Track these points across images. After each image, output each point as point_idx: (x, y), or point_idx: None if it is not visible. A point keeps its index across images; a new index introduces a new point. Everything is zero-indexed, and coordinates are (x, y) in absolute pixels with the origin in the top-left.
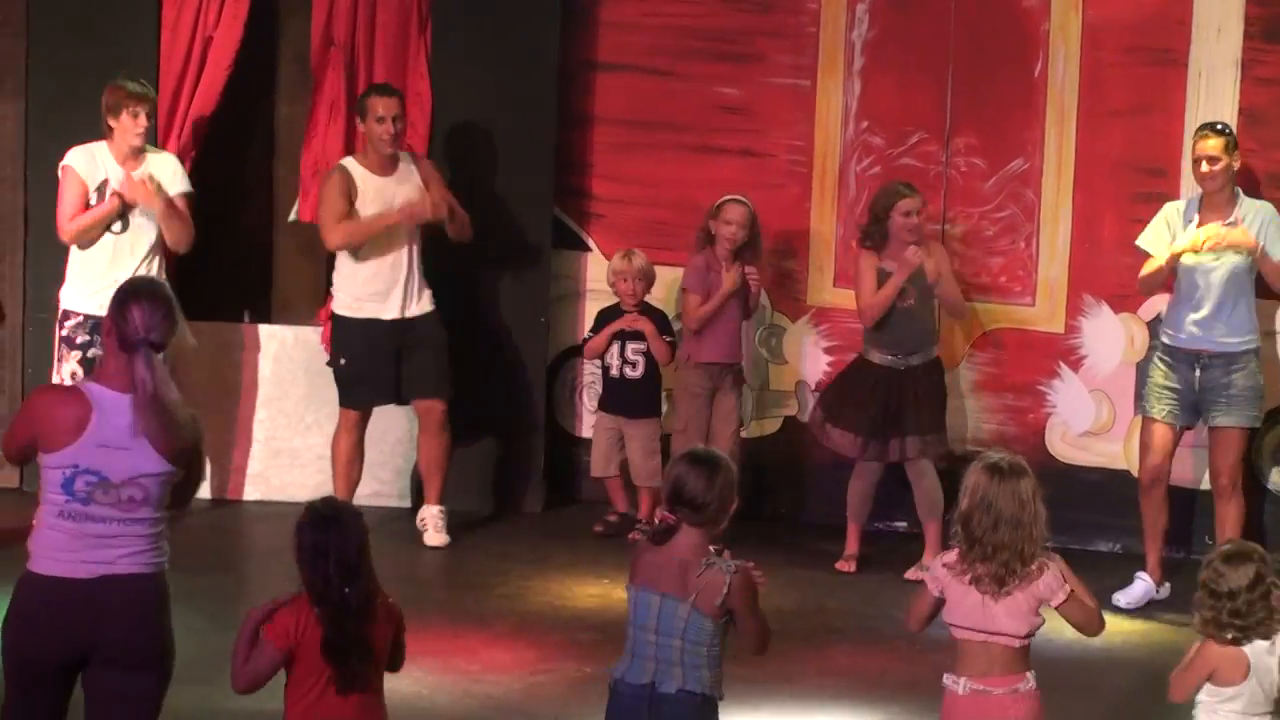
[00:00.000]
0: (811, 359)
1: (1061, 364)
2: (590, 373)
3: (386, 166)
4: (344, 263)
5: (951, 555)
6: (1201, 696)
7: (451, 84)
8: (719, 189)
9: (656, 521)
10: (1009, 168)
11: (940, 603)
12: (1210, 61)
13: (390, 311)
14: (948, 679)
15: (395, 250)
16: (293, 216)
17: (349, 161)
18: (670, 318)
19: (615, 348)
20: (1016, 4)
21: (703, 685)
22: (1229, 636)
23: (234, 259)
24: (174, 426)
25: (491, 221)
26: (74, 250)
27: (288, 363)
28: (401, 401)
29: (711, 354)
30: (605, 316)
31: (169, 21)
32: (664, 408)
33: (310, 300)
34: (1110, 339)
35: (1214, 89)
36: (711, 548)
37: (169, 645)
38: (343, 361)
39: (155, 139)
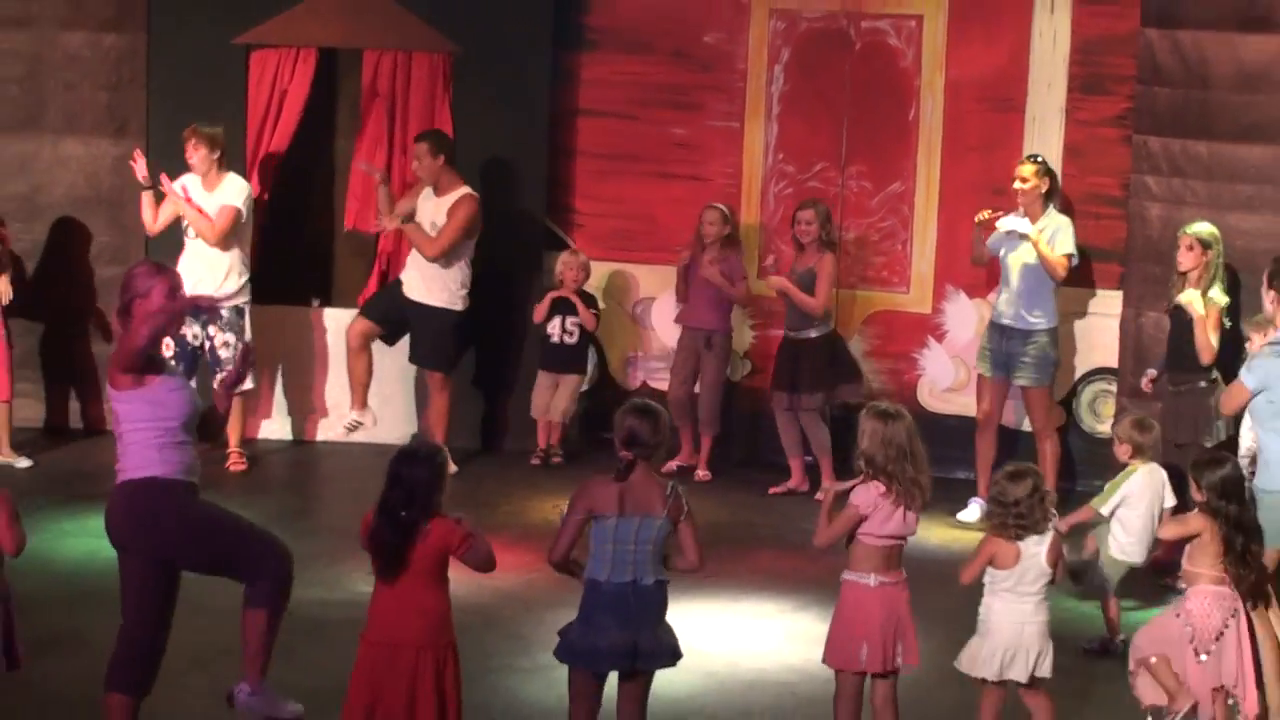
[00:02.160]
0: (740, 334)
1: (929, 337)
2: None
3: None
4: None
5: (878, 486)
6: (985, 579)
7: (468, 125)
8: (672, 206)
9: (620, 465)
10: (890, 189)
11: (861, 521)
12: (1042, 109)
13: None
14: (857, 576)
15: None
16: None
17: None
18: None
19: (557, 320)
20: (895, 65)
21: (661, 574)
22: (1012, 535)
23: (304, 259)
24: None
25: (498, 229)
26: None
27: (343, 335)
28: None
29: (691, 321)
30: (557, 303)
31: (255, 77)
32: (589, 368)
33: (360, 290)
34: (965, 318)
35: (1045, 130)
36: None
37: None
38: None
39: (243, 166)
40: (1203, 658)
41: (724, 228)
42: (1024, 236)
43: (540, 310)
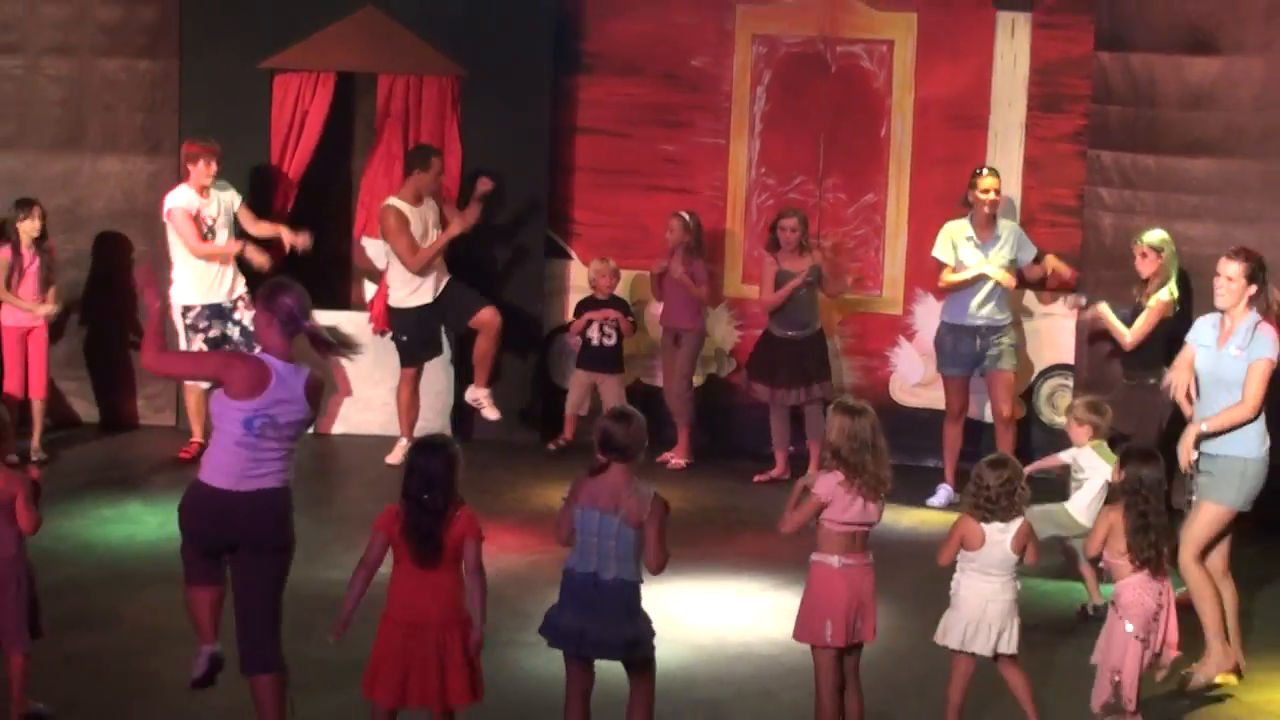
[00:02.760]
0: (726, 333)
1: (900, 336)
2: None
3: (419, 199)
4: (399, 272)
5: (837, 475)
6: (958, 559)
7: (475, 143)
8: (663, 217)
9: (596, 464)
10: (863, 200)
11: (822, 507)
12: (1003, 125)
13: (428, 296)
14: (823, 558)
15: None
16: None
17: (395, 200)
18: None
19: (596, 325)
20: (868, 86)
21: (628, 574)
22: (980, 517)
23: (322, 265)
24: (321, 387)
25: (503, 238)
26: (183, 261)
27: (362, 337)
28: (446, 347)
29: (666, 320)
30: (584, 305)
31: (278, 100)
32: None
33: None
34: (934, 319)
35: (1006, 145)
36: (636, 479)
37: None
38: (404, 339)
39: (268, 180)
40: (1148, 641)
41: (685, 235)
42: (999, 281)
43: (577, 326)
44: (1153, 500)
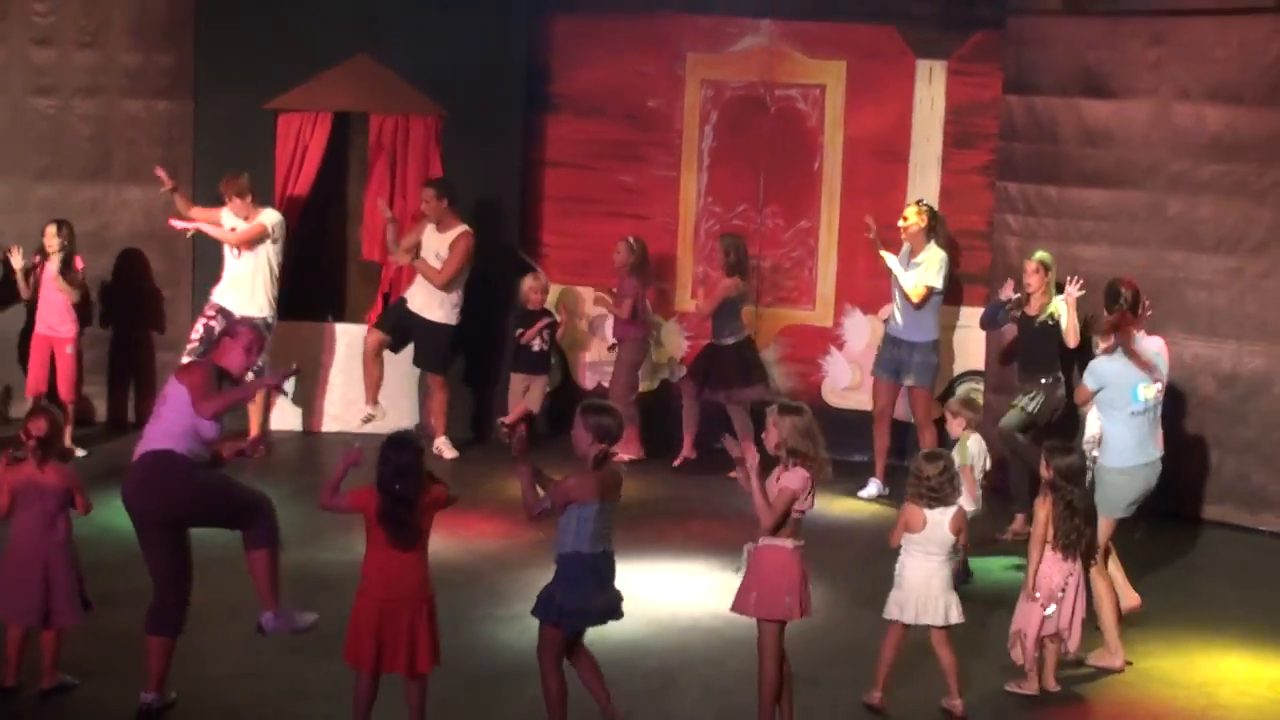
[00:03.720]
0: (676, 343)
1: (831, 346)
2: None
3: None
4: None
5: (801, 471)
6: (903, 541)
7: (454, 174)
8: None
9: (595, 454)
10: (798, 225)
11: (795, 499)
12: (922, 160)
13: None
14: (780, 542)
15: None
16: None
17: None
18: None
19: (539, 334)
20: (803, 125)
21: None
22: (923, 504)
23: (322, 282)
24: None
25: (480, 258)
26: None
27: (355, 346)
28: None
29: (616, 333)
30: (524, 316)
31: (282, 135)
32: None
33: (367, 309)
34: (860, 330)
35: (924, 177)
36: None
37: None
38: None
39: (272, 202)
40: (1049, 611)
41: (628, 257)
42: (889, 270)
43: (531, 334)
44: (1076, 488)
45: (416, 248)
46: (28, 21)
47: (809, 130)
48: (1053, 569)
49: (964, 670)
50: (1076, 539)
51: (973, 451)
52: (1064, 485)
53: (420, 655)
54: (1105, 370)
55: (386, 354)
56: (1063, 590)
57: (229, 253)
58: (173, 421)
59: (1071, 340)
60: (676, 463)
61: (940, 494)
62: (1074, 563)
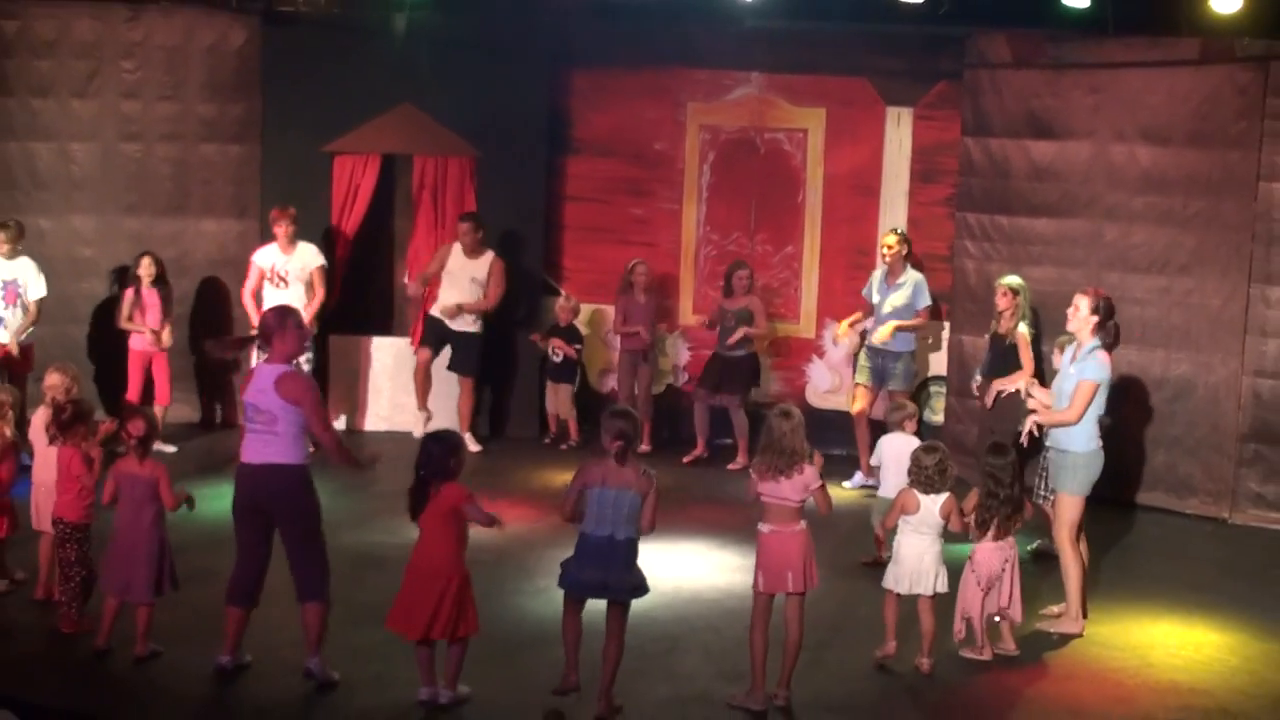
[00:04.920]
0: (680, 354)
1: (814, 354)
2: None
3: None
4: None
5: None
6: (899, 522)
7: (487, 207)
8: None
9: (612, 451)
10: (785, 251)
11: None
12: (892, 193)
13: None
14: (783, 527)
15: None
16: (406, 282)
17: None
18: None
19: (552, 346)
20: (788, 163)
21: (632, 533)
22: (920, 489)
23: (373, 303)
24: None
25: (508, 280)
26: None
27: (400, 357)
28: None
29: (626, 345)
30: (550, 330)
31: (337, 175)
32: (576, 378)
33: (411, 325)
34: (840, 342)
35: (894, 209)
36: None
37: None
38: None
39: (331, 238)
40: (991, 592)
41: (649, 279)
42: (882, 334)
43: (547, 343)
44: (1003, 481)
45: (437, 273)
46: (118, 78)
47: (794, 168)
48: (991, 554)
49: (936, 643)
50: (988, 520)
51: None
52: (991, 479)
53: (445, 624)
54: (1106, 371)
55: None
56: (1001, 572)
57: (275, 287)
58: (294, 436)
59: (1028, 371)
60: (687, 460)
61: (935, 482)
62: (1009, 547)
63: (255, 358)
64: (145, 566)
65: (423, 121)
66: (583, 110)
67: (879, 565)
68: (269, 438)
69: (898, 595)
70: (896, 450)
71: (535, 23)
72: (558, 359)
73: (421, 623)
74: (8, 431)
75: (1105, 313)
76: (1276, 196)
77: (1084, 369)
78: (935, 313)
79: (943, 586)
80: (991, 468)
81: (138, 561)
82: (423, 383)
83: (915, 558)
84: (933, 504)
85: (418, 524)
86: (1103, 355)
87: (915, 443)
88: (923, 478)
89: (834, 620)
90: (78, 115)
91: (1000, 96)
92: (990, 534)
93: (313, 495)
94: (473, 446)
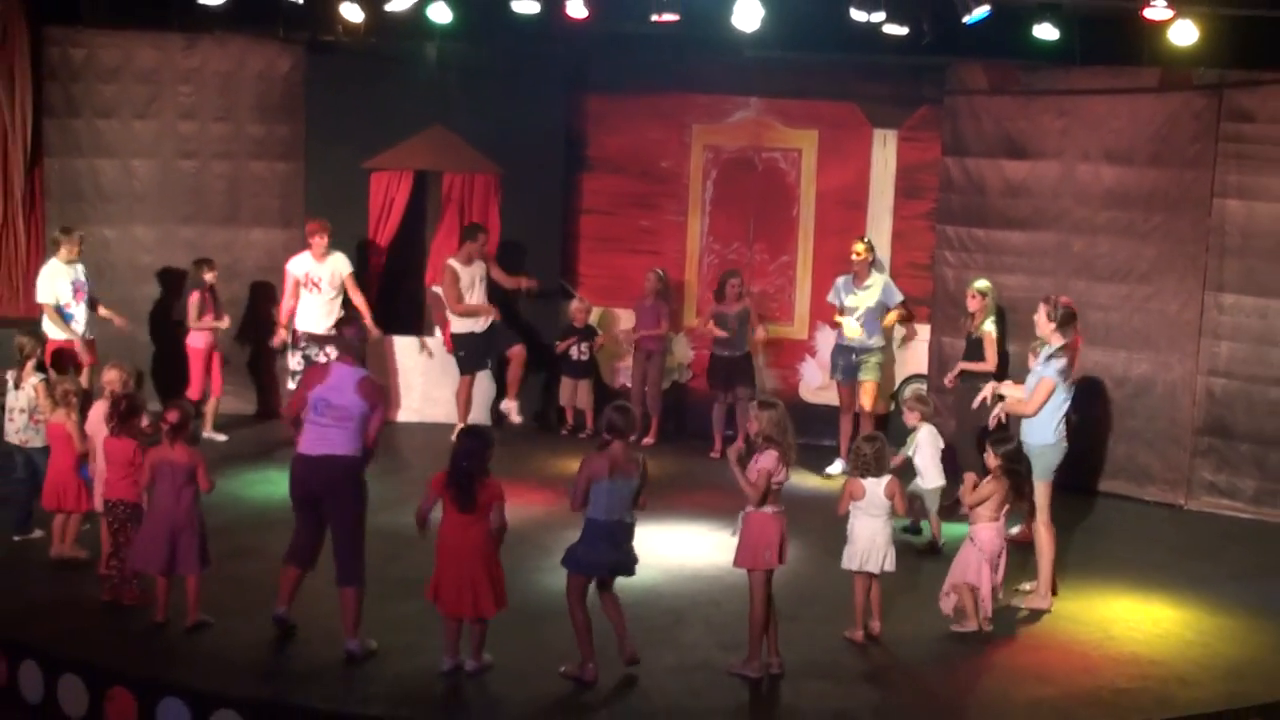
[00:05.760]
0: (685, 353)
1: (806, 354)
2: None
3: (469, 260)
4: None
5: (773, 452)
6: (851, 507)
7: (510, 220)
8: (642, 271)
9: (602, 440)
10: (780, 259)
11: (770, 475)
12: (878, 208)
13: (480, 327)
14: (763, 509)
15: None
16: (434, 288)
17: (452, 261)
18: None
19: (577, 346)
20: (784, 180)
21: (632, 516)
22: (860, 475)
23: (405, 304)
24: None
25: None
26: (303, 300)
27: (432, 353)
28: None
29: (642, 344)
30: (567, 330)
31: (374, 189)
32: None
33: (441, 325)
34: (829, 342)
35: (879, 222)
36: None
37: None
38: (462, 354)
39: (365, 247)
40: (996, 571)
41: (657, 284)
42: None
43: (561, 347)
44: (1022, 470)
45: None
46: (175, 101)
47: (789, 184)
48: (995, 534)
49: (916, 616)
50: (1025, 502)
51: (923, 438)
52: (1013, 465)
53: (474, 601)
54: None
55: (445, 360)
56: (1002, 548)
57: (309, 292)
58: (355, 433)
59: (991, 365)
60: (715, 454)
61: (874, 467)
62: (1003, 525)
63: (292, 357)
64: (192, 540)
65: (452, 141)
66: (596, 132)
67: (934, 552)
68: (335, 431)
69: (865, 576)
70: (933, 443)
71: (554, 52)
72: (585, 357)
73: (468, 601)
74: (74, 418)
75: (1062, 318)
76: (1229, 212)
77: (1046, 368)
78: (910, 316)
79: (890, 566)
80: (1006, 455)
81: (184, 537)
82: (466, 406)
83: (868, 538)
84: (877, 486)
85: (463, 513)
86: (1061, 361)
87: (938, 437)
88: (863, 464)
89: (819, 595)
90: (139, 135)
91: (977, 120)
92: (988, 514)
93: (364, 487)
94: (515, 416)
